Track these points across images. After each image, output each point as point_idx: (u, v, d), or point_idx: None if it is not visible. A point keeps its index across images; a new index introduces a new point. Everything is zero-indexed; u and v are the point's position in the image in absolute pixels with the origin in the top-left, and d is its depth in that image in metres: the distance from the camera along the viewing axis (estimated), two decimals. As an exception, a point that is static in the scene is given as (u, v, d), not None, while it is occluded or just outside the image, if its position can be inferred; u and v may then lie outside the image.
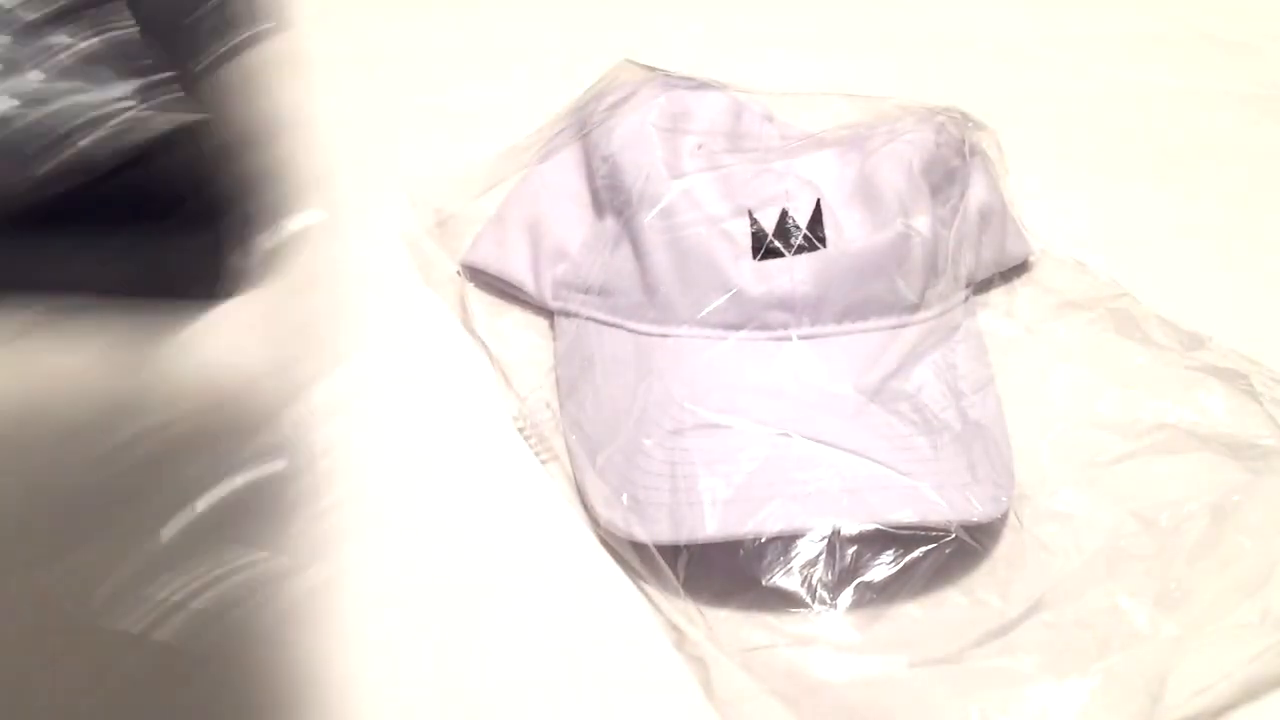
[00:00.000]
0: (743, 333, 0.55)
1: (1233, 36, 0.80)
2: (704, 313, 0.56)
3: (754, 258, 0.55)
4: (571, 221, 0.62)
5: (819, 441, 0.51)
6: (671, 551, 0.51)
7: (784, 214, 0.56)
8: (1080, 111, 0.75)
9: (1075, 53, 0.79)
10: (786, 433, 0.52)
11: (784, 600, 0.50)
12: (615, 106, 0.62)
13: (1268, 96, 0.75)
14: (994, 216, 0.62)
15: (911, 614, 0.51)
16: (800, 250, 0.55)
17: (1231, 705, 0.48)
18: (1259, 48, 0.78)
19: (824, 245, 0.55)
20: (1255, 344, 0.60)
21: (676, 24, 0.84)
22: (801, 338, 0.55)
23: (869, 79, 0.71)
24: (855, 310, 0.56)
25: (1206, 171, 0.71)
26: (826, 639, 0.50)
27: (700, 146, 0.60)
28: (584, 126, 0.64)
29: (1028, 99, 0.74)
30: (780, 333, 0.55)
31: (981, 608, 0.51)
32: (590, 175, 0.62)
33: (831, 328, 0.55)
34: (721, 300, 0.55)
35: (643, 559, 0.51)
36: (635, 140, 0.60)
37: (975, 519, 0.50)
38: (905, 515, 0.49)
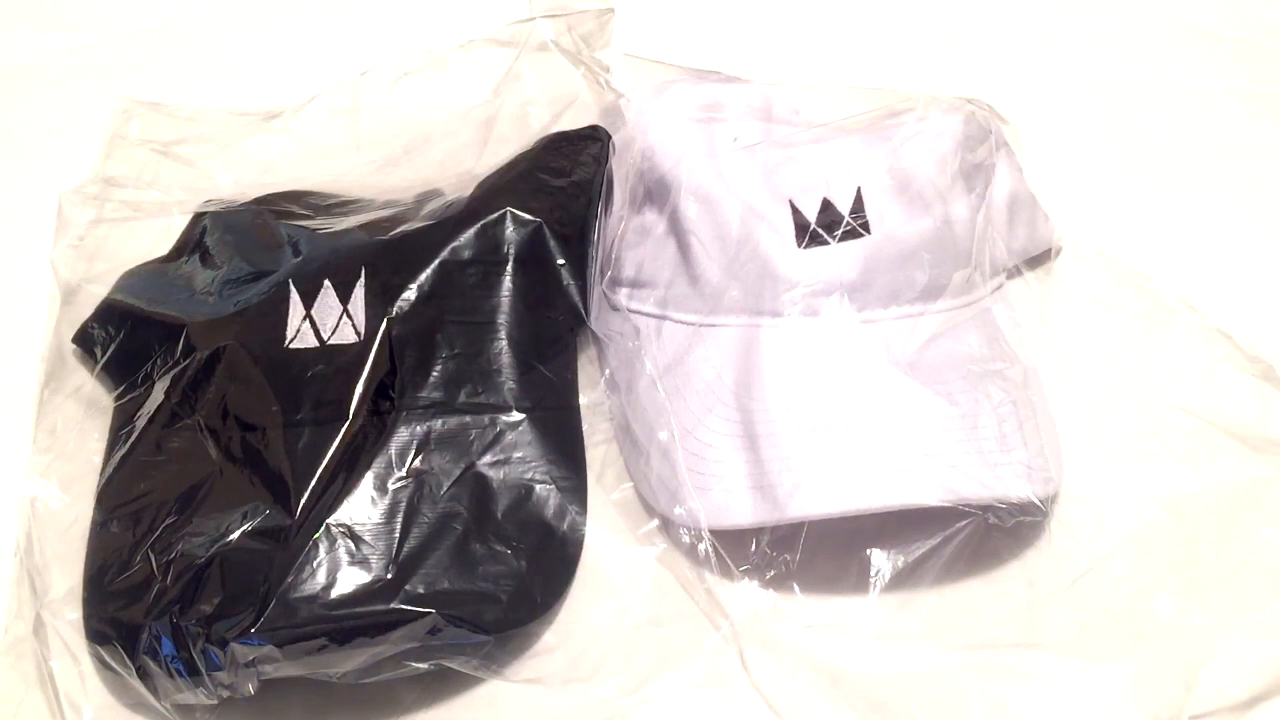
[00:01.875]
0: (790, 319, 0.55)
1: (1239, 34, 0.82)
2: (751, 301, 0.56)
3: (799, 246, 0.56)
4: None
5: (867, 423, 0.52)
6: (732, 537, 0.51)
7: (826, 202, 0.56)
8: (1089, 108, 0.76)
9: (1085, 51, 0.81)
10: (836, 416, 0.52)
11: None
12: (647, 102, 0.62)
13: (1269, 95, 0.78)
14: (1022, 205, 0.63)
15: (937, 602, 0.51)
16: (845, 238, 0.56)
17: (1264, 696, 0.48)
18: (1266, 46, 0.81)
19: (868, 233, 0.56)
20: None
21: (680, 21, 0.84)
22: (847, 323, 0.55)
23: (888, 75, 0.72)
24: (898, 295, 0.56)
25: (1222, 167, 0.72)
26: (854, 626, 0.51)
27: (736, 139, 0.60)
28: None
29: (1038, 96, 0.76)
30: (827, 318, 0.55)
31: (1008, 597, 0.52)
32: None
33: (878, 312, 0.56)
34: (768, 288, 0.56)
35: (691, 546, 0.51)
36: (673, 132, 0.60)
37: (1025, 498, 0.50)
38: (960, 494, 0.50)
